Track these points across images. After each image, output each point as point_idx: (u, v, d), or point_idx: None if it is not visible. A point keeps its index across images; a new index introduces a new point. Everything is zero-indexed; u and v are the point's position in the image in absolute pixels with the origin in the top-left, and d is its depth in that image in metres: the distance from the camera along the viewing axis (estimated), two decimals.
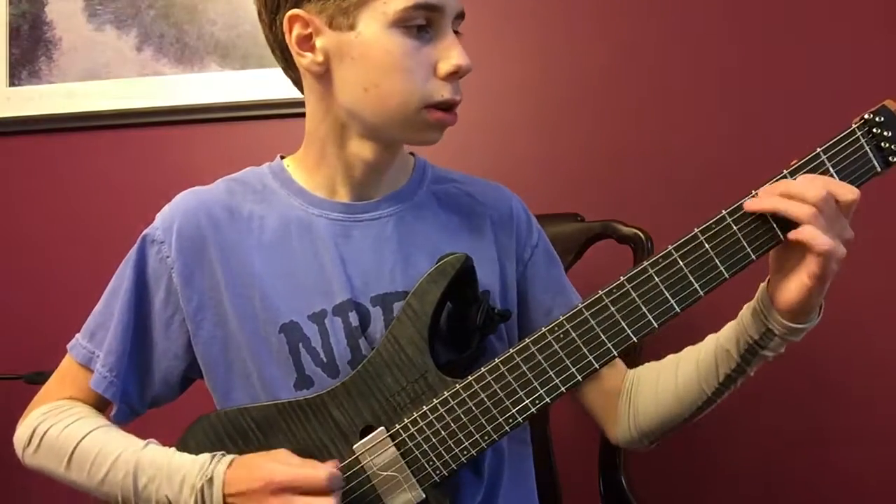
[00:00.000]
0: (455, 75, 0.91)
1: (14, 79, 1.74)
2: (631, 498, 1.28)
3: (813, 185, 0.80)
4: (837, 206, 0.81)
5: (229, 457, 0.90)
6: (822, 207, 0.80)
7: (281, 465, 0.87)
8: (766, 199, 0.82)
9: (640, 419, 1.02)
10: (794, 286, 0.83)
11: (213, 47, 1.69)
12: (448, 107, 0.93)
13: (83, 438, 0.95)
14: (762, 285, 0.89)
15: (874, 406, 1.49)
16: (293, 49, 0.93)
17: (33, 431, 0.98)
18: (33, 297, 1.72)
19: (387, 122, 0.93)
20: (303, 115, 1.00)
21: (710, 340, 0.96)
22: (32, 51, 1.74)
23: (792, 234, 0.81)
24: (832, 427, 1.50)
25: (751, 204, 0.83)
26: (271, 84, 1.64)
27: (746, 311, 0.91)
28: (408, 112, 0.91)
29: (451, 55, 0.90)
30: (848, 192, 0.81)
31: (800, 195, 0.80)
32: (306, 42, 0.92)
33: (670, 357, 1.01)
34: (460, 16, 0.93)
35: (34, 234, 1.73)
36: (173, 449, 0.94)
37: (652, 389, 1.01)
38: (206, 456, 0.91)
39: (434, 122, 0.93)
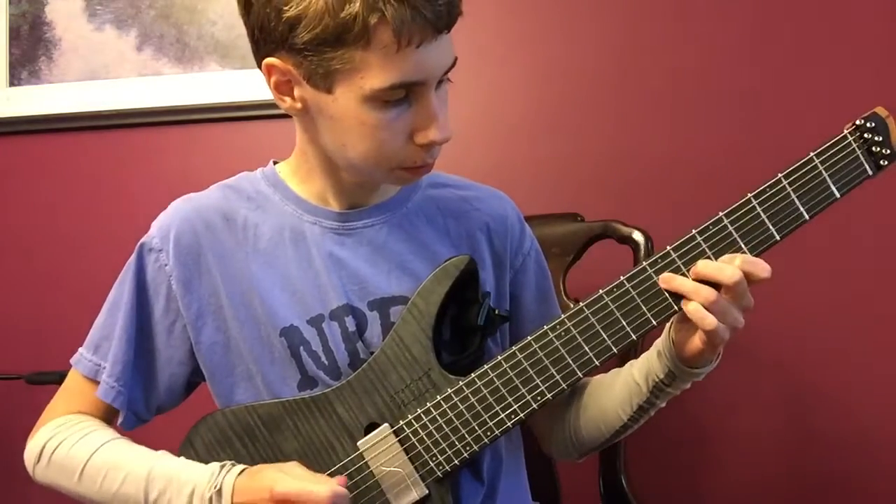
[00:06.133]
0: (431, 146, 0.90)
1: (14, 79, 1.74)
2: (631, 498, 1.29)
3: (728, 268, 0.83)
4: (748, 284, 0.84)
5: (239, 467, 0.91)
6: (734, 290, 0.83)
7: (287, 475, 0.87)
8: (676, 280, 0.86)
9: (568, 434, 1.05)
10: (691, 346, 0.88)
11: (213, 47, 1.69)
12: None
13: (94, 453, 0.95)
14: (667, 327, 0.92)
15: (873, 410, 1.49)
16: (272, 93, 0.92)
17: (43, 447, 0.98)
18: (33, 297, 1.73)
19: (364, 172, 0.94)
20: None
21: (627, 368, 0.99)
22: (32, 51, 1.75)
23: (685, 308, 0.85)
24: (832, 430, 1.51)
25: (664, 281, 0.87)
26: None
27: (653, 351, 0.94)
28: (381, 171, 0.92)
29: (428, 128, 0.88)
30: (761, 270, 0.84)
31: (713, 277, 0.84)
32: (285, 86, 0.90)
33: (598, 377, 1.04)
34: (449, 68, 0.90)
35: (34, 234, 1.73)
36: (183, 459, 0.94)
37: (577, 408, 1.04)
38: (215, 466, 0.91)
39: (408, 177, 0.94)
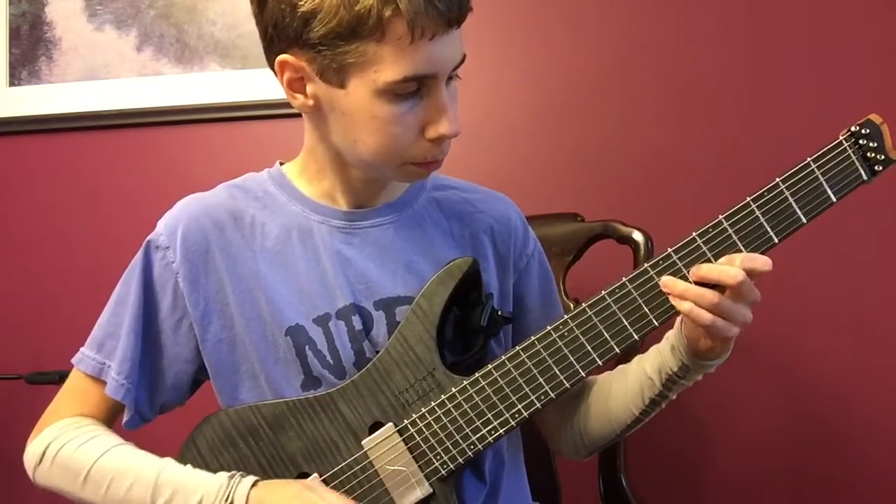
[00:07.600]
0: (441, 140, 0.91)
1: (14, 79, 1.74)
2: (631, 498, 1.29)
3: (731, 269, 0.84)
4: (751, 279, 0.85)
5: (250, 477, 0.91)
6: (738, 289, 0.84)
7: (312, 492, 0.88)
8: (679, 285, 0.86)
9: (577, 432, 1.06)
10: (704, 341, 0.89)
11: (213, 47, 1.69)
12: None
13: (100, 457, 0.95)
14: (678, 322, 0.93)
15: (873, 410, 1.50)
16: (285, 90, 0.93)
17: (45, 449, 0.97)
18: (33, 297, 1.72)
19: (374, 167, 0.94)
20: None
21: (637, 363, 1.00)
22: (32, 51, 1.74)
23: (680, 308, 0.87)
24: (832, 430, 1.51)
25: (665, 285, 0.87)
26: (271, 84, 1.61)
27: (666, 344, 0.95)
28: (392, 166, 0.93)
29: (439, 121, 0.89)
30: (762, 265, 0.85)
31: (718, 280, 0.85)
32: (298, 83, 0.91)
33: (605, 374, 1.05)
34: (459, 63, 0.91)
35: (34, 234, 1.73)
36: (189, 467, 0.94)
37: (586, 406, 1.04)
38: (223, 475, 0.91)
39: (419, 171, 0.95)
